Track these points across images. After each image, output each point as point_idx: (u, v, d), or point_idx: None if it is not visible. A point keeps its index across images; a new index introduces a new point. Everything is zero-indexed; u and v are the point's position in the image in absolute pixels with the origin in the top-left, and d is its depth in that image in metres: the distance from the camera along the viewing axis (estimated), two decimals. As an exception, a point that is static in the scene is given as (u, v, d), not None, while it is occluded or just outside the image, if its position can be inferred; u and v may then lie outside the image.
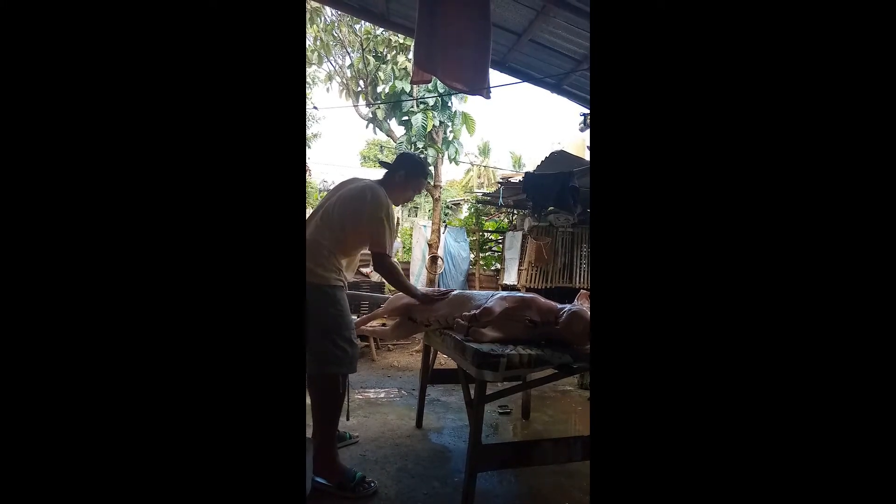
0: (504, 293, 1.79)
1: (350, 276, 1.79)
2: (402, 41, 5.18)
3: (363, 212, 1.65)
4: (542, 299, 1.66)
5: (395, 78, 5.26)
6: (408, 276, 5.42)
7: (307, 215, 1.69)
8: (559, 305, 1.63)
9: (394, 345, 4.24)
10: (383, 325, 2.35)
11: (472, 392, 1.50)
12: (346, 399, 1.70)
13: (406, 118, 5.17)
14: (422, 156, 5.22)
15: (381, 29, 5.00)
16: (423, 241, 5.51)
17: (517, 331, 1.58)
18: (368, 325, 2.08)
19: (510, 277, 5.01)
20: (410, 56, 4.29)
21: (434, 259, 5.21)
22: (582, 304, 1.62)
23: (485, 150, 13.83)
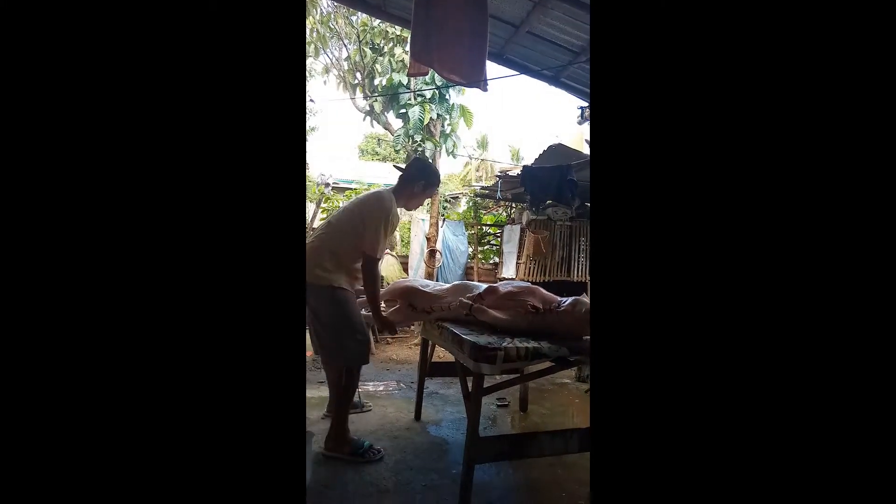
0: (507, 283, 1.83)
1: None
2: (399, 33, 5.14)
3: (364, 215, 1.77)
4: (544, 290, 1.69)
5: (393, 70, 5.23)
6: (406, 269, 5.42)
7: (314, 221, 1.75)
8: (560, 298, 1.65)
9: (392, 338, 4.25)
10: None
11: (469, 385, 1.51)
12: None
13: (403, 111, 5.14)
14: (420, 149, 5.20)
15: (378, 20, 4.95)
16: (421, 234, 5.51)
17: (519, 315, 1.59)
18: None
19: (508, 271, 5.02)
20: (407, 48, 4.25)
21: (432, 253, 5.21)
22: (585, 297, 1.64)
23: (483, 144, 13.78)
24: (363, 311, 1.93)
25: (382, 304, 2.06)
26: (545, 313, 1.58)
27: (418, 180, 1.90)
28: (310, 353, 3.53)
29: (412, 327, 3.93)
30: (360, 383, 2.80)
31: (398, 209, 1.90)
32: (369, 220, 1.76)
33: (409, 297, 1.91)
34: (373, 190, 1.97)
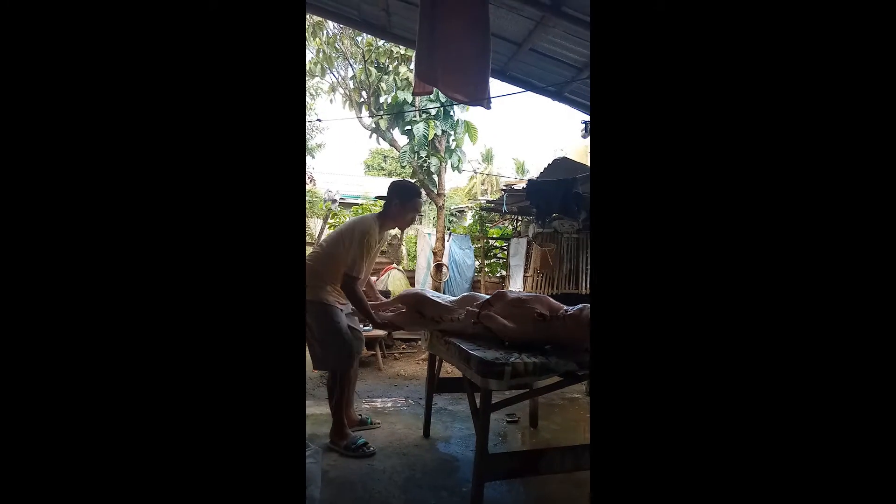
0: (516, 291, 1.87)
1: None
2: (403, 52, 5.25)
3: (346, 239, 1.99)
4: (552, 299, 1.70)
5: (398, 88, 5.32)
6: (412, 284, 5.42)
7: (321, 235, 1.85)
8: (567, 307, 1.65)
9: (400, 353, 4.24)
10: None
11: (478, 401, 1.51)
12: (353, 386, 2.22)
13: (408, 128, 5.22)
14: (425, 164, 5.26)
15: (383, 41, 5.07)
16: (427, 248, 5.53)
17: (525, 322, 1.59)
18: (382, 311, 2.10)
19: (515, 284, 5.01)
20: (412, 66, 4.34)
21: (439, 267, 5.22)
22: None
23: (488, 157, 13.87)
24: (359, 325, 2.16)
25: (390, 311, 2.09)
26: (552, 320, 1.58)
27: (394, 200, 2.07)
28: (315, 369, 3.53)
29: (419, 342, 3.92)
30: (367, 400, 2.80)
31: (391, 230, 2.16)
32: (349, 241, 1.97)
33: (419, 305, 1.95)
34: (356, 217, 2.23)
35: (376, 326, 2.09)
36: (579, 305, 1.59)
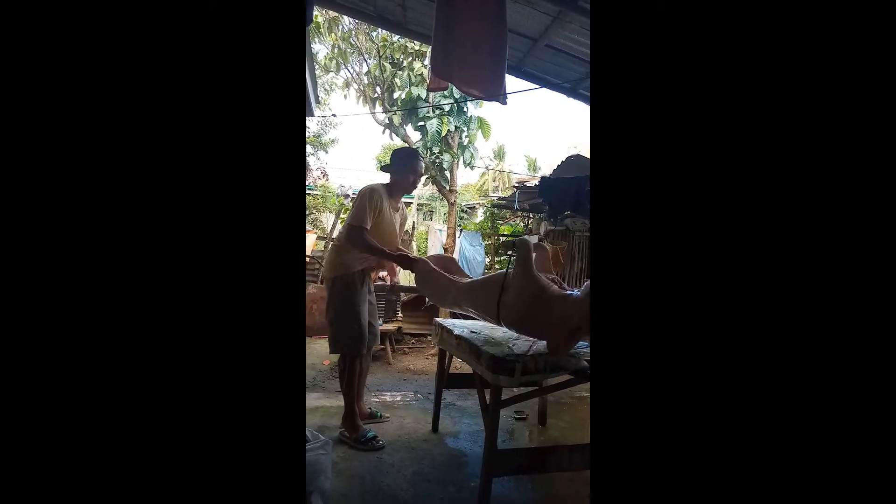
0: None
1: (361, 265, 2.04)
2: (418, 48, 5.24)
3: (354, 202, 2.01)
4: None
5: (412, 84, 5.33)
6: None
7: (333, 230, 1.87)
8: None
9: (409, 348, 4.26)
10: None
11: (487, 397, 1.51)
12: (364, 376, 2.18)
13: (422, 123, 5.23)
14: (437, 161, 5.26)
15: (398, 36, 5.07)
16: (438, 244, 5.55)
17: (546, 279, 1.61)
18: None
19: (526, 282, 4.99)
20: (426, 62, 4.34)
21: (449, 263, 5.23)
22: None
23: (500, 154, 13.81)
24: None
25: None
26: (563, 295, 1.53)
27: (393, 165, 2.13)
28: (326, 361, 3.57)
29: (429, 337, 3.94)
30: (377, 394, 2.83)
31: (401, 197, 2.18)
32: (355, 201, 2.01)
33: (447, 264, 2.04)
34: None
35: (391, 259, 2.01)
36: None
